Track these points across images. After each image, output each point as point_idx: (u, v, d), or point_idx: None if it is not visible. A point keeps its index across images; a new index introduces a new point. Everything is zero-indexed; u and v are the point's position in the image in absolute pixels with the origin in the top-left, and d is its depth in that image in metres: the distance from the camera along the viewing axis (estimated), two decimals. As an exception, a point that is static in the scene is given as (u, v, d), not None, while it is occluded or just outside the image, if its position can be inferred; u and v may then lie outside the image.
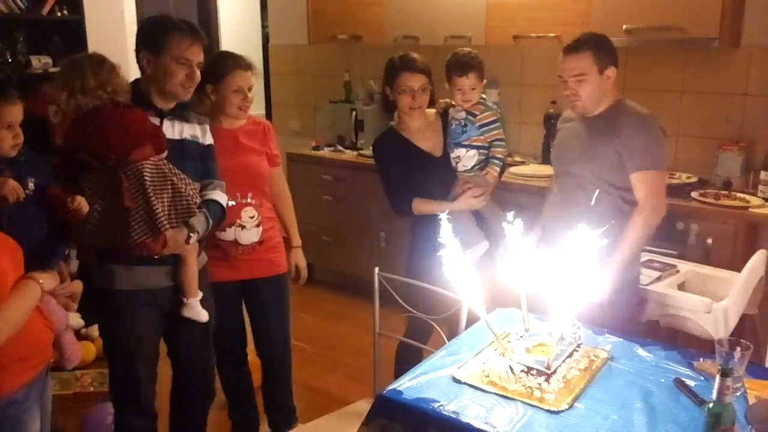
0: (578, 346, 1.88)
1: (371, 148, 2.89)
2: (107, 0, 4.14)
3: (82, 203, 1.93)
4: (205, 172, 2.30)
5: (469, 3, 3.70)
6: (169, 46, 2.13)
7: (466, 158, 2.71)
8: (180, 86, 2.16)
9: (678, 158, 3.57)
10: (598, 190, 2.31)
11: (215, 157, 2.36)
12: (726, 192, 3.14)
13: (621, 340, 2.01)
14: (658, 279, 2.63)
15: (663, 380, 1.77)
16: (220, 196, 2.31)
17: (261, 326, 2.75)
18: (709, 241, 2.99)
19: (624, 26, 3.21)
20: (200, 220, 2.21)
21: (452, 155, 2.73)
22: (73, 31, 3.76)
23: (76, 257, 2.12)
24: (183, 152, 2.20)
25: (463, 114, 2.70)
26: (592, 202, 2.25)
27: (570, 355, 1.82)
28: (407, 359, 2.61)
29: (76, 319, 3.68)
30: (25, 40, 3.69)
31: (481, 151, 2.71)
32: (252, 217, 2.56)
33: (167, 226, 2.07)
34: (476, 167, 2.71)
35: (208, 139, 2.34)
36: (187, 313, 2.26)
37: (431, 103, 2.75)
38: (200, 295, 2.28)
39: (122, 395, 2.31)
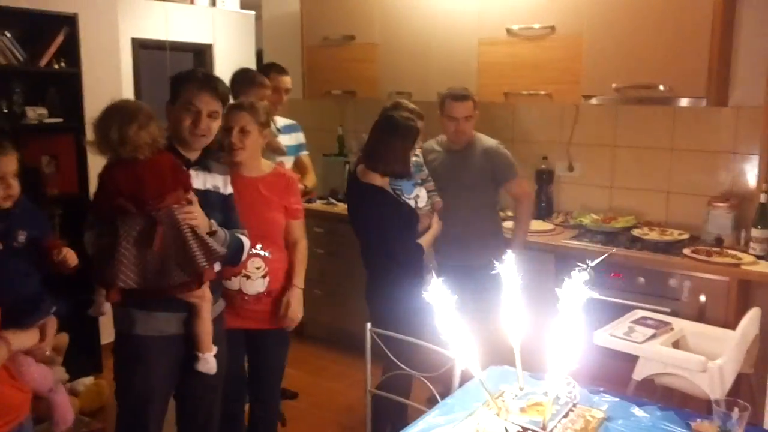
0: (574, 405, 1.84)
1: (356, 205, 2.89)
2: (104, 53, 4.18)
3: (68, 256, 1.94)
4: (226, 222, 2.31)
5: (461, 60, 3.76)
6: (181, 94, 2.21)
7: (422, 195, 3.01)
8: (188, 133, 2.21)
9: (669, 215, 3.59)
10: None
11: (235, 206, 2.39)
12: (718, 249, 3.15)
13: (617, 399, 1.97)
14: (653, 337, 2.60)
15: (660, 442, 1.74)
16: (245, 238, 2.36)
17: (259, 375, 2.76)
18: (702, 298, 2.98)
19: (613, 85, 3.26)
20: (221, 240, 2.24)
21: (410, 195, 2.96)
22: (70, 83, 3.78)
23: (105, 299, 2.09)
24: (206, 202, 2.23)
25: (413, 157, 2.93)
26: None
27: (565, 415, 1.79)
28: (383, 409, 2.68)
29: (60, 373, 3.59)
30: (22, 91, 3.70)
31: (424, 186, 3.05)
32: (258, 268, 2.56)
33: (206, 264, 2.11)
34: (429, 201, 3.04)
35: (228, 189, 2.38)
36: (200, 367, 2.27)
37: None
38: (215, 350, 2.29)
39: None
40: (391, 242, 2.75)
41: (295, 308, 2.65)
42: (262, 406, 2.83)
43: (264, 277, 2.56)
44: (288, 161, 3.56)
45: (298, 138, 3.69)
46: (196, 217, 2.13)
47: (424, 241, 2.85)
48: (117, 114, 2.06)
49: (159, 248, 2.04)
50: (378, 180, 2.76)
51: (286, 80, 3.62)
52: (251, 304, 2.57)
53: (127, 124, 2.04)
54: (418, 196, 2.95)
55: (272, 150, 3.34)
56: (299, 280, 2.71)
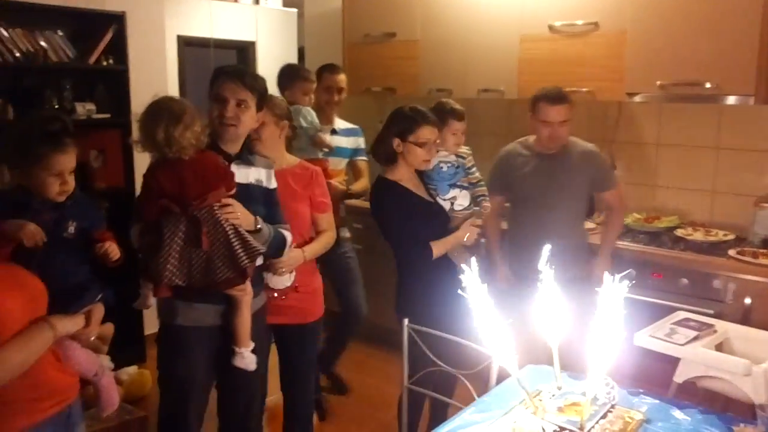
0: (612, 406, 1.83)
1: (370, 199, 2.85)
2: (151, 51, 4.27)
3: (110, 250, 1.99)
4: (270, 216, 2.34)
5: (502, 57, 3.74)
6: (213, 87, 2.26)
7: (461, 197, 2.84)
8: (217, 123, 2.24)
9: (714, 215, 3.51)
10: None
11: (279, 201, 2.41)
12: (764, 250, 3.07)
13: (657, 401, 1.95)
14: (695, 339, 2.55)
15: (701, 445, 1.71)
16: (288, 233, 2.38)
17: (290, 369, 2.79)
18: (748, 300, 2.91)
19: (657, 82, 3.21)
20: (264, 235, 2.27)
21: (446, 196, 2.83)
22: (118, 79, 3.88)
23: (153, 295, 2.16)
24: (248, 196, 2.25)
25: (453, 157, 2.85)
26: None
27: (604, 416, 1.77)
28: (415, 406, 2.65)
29: (106, 361, 3.69)
30: (71, 88, 3.81)
31: (469, 190, 2.89)
32: None
33: (247, 262, 2.14)
34: (470, 205, 2.87)
35: (273, 183, 2.39)
36: (237, 362, 2.30)
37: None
38: (252, 345, 2.31)
39: (169, 430, 2.34)
40: (393, 235, 2.70)
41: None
42: (296, 402, 2.84)
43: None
44: (341, 163, 3.57)
45: (356, 142, 3.66)
46: (237, 216, 2.16)
47: (441, 242, 2.69)
48: (163, 114, 2.08)
49: (206, 246, 2.09)
50: (392, 173, 2.72)
51: (339, 79, 3.60)
52: (278, 300, 2.58)
53: (173, 125, 2.06)
54: (455, 198, 2.84)
55: (314, 144, 3.36)
56: (309, 251, 2.62)
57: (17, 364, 1.60)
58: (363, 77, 4.45)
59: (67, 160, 1.87)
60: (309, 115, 3.37)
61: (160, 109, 2.11)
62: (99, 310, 1.95)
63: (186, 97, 4.91)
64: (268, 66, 6.34)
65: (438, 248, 2.66)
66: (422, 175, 2.81)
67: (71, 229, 1.91)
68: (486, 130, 4.13)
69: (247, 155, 2.34)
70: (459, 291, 1.65)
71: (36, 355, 1.65)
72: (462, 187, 2.86)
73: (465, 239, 2.73)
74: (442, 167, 2.82)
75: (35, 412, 1.70)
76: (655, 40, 3.22)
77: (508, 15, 3.70)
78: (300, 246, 2.59)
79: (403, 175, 2.73)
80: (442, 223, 2.77)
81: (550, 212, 2.99)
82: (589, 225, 3.42)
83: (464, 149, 2.90)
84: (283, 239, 2.37)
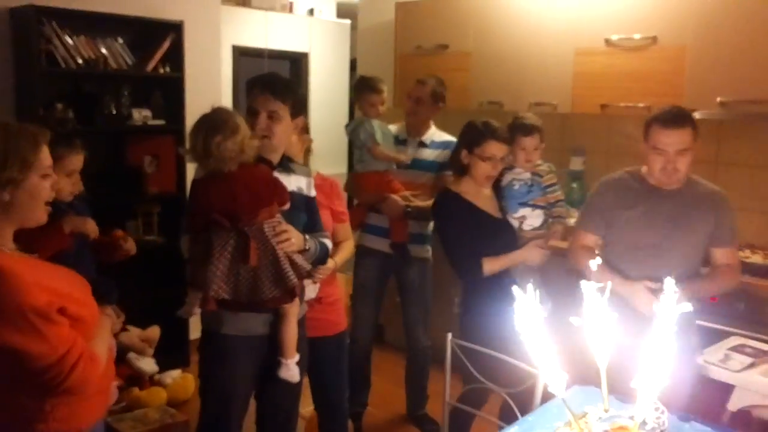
0: (662, 432, 1.75)
1: (432, 211, 2.85)
2: (207, 60, 4.36)
3: (131, 245, 2.05)
4: (310, 224, 2.35)
5: (556, 70, 3.69)
6: (248, 99, 2.27)
7: (532, 217, 2.75)
8: (256, 134, 2.21)
9: (775, 238, 3.38)
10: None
11: (318, 209, 2.42)
12: (828, 276, 2.93)
13: (708, 429, 1.87)
14: (751, 366, 2.44)
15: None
16: (328, 241, 2.40)
17: (320, 383, 2.79)
18: (809, 328, 2.78)
19: (718, 99, 3.11)
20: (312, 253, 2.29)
21: (515, 215, 2.75)
22: (174, 87, 3.97)
23: (199, 307, 2.17)
24: (291, 204, 2.25)
25: (528, 175, 2.76)
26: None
27: (653, 442, 1.70)
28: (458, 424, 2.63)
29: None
30: (129, 94, 3.92)
31: (545, 210, 2.76)
32: None
33: (294, 280, 2.13)
34: (543, 226, 2.75)
35: (312, 192, 2.41)
36: (282, 373, 2.29)
37: None
38: (297, 357, 2.31)
39: None
40: (448, 247, 2.69)
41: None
42: (330, 416, 2.85)
43: (315, 282, 2.53)
44: (422, 177, 3.35)
45: (448, 156, 3.35)
46: (293, 243, 2.16)
47: (497, 259, 2.63)
48: (204, 125, 2.08)
49: (254, 263, 2.08)
50: (457, 186, 2.72)
51: (418, 88, 3.44)
52: (307, 312, 2.55)
53: (211, 136, 2.04)
54: (525, 217, 2.75)
55: (374, 156, 3.26)
56: (338, 259, 2.65)
57: (105, 354, 1.67)
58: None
59: (79, 160, 1.97)
60: (370, 127, 3.26)
61: (205, 118, 2.11)
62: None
63: (239, 107, 5.00)
64: (320, 77, 6.41)
65: (491, 265, 2.61)
66: (498, 193, 2.78)
67: None
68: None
69: (287, 163, 2.35)
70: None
71: (108, 346, 1.72)
72: (536, 207, 2.76)
73: (527, 260, 2.66)
74: (514, 185, 2.76)
75: (103, 405, 1.76)
76: (716, 56, 3.12)
77: (563, 28, 3.65)
78: (331, 292, 2.65)
79: (469, 188, 2.70)
80: (507, 241, 2.69)
81: (663, 267, 2.30)
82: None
83: (543, 167, 2.80)
84: (326, 250, 2.37)
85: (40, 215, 1.60)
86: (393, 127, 3.45)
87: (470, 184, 2.70)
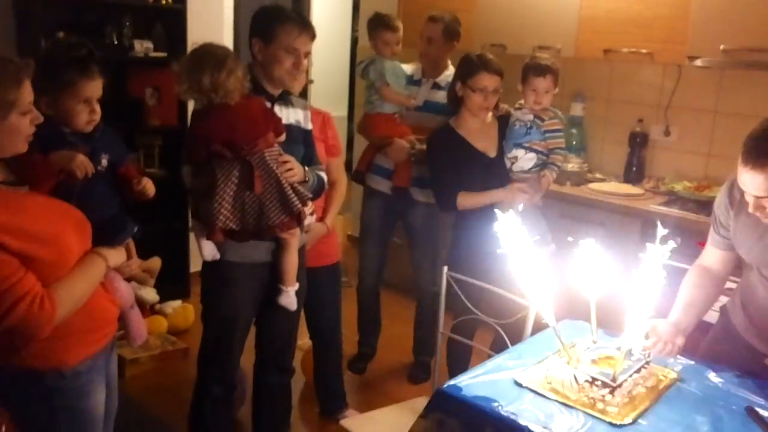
0: (647, 363, 1.83)
1: (426, 142, 2.88)
2: (209, -9, 4.31)
3: (147, 186, 1.95)
4: (307, 157, 2.38)
5: (560, 13, 3.66)
6: (279, 35, 2.22)
7: (523, 159, 2.73)
8: (287, 74, 2.26)
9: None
10: None
11: (314, 142, 2.45)
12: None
13: (692, 363, 1.94)
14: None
15: (734, 407, 1.71)
16: (324, 174, 2.43)
17: (315, 313, 2.88)
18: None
19: (721, 46, 3.10)
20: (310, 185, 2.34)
21: (509, 155, 2.75)
22: (175, 18, 3.92)
23: (207, 238, 2.20)
24: (290, 136, 2.29)
25: (530, 117, 2.74)
26: None
27: (637, 371, 1.78)
28: (455, 356, 2.75)
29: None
30: (131, 25, 3.88)
31: (539, 155, 2.74)
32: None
33: (299, 205, 2.18)
34: (533, 170, 2.73)
35: (309, 125, 2.43)
36: (282, 300, 2.36)
37: (494, 107, 2.79)
38: (297, 285, 2.37)
39: (210, 363, 2.44)
40: (431, 178, 2.76)
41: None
42: (325, 344, 2.95)
43: (312, 214, 2.53)
44: (433, 119, 3.09)
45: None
46: (295, 172, 2.20)
47: (474, 195, 2.66)
48: (208, 60, 2.10)
49: (260, 190, 2.13)
50: (455, 121, 2.77)
51: (430, 27, 3.29)
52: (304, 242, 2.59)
53: (218, 71, 2.08)
54: (516, 158, 2.73)
55: (383, 98, 3.19)
56: (330, 219, 2.76)
57: (79, 296, 1.62)
58: (417, 29, 4.39)
59: (95, 87, 1.82)
60: (381, 67, 3.16)
61: (205, 55, 2.12)
62: (132, 244, 1.92)
63: (240, 40, 4.92)
64: (322, 16, 6.32)
65: (466, 199, 2.67)
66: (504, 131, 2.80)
67: (104, 161, 1.87)
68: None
69: (287, 96, 2.36)
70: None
71: (93, 287, 1.68)
72: (531, 150, 2.73)
73: (504, 199, 2.61)
74: (515, 124, 2.76)
75: (92, 343, 1.73)
76: (721, 3, 3.09)
77: (570, -30, 3.61)
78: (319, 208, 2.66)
79: (464, 123, 2.74)
80: (497, 180, 2.71)
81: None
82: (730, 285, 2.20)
83: (550, 111, 2.74)
84: (323, 182, 2.42)
85: (18, 148, 1.56)
86: (408, 67, 3.34)
87: (466, 119, 2.74)
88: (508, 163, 2.77)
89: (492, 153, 2.76)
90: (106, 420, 1.89)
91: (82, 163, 1.75)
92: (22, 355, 1.60)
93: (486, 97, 2.65)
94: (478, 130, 2.75)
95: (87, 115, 1.82)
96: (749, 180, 1.72)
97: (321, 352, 2.99)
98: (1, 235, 1.45)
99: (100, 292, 1.74)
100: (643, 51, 3.38)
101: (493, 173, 2.73)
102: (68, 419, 1.71)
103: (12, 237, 1.47)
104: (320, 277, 2.75)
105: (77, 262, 1.64)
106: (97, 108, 1.84)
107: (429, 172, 2.79)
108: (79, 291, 1.62)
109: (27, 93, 1.54)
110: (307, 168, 2.33)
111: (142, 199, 1.95)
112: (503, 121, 2.80)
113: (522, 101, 2.81)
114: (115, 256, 1.78)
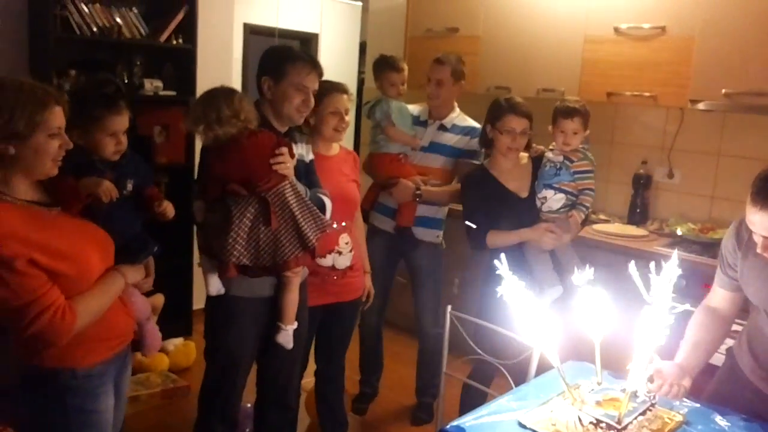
0: (652, 405, 1.81)
1: (460, 185, 2.97)
2: (218, 34, 4.39)
3: (167, 208, 2.11)
4: (308, 184, 2.41)
5: (564, 57, 3.72)
6: (289, 73, 2.28)
7: (552, 200, 2.74)
8: (296, 110, 2.31)
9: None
10: None
11: (315, 170, 2.48)
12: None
13: (698, 405, 1.92)
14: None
15: (741, 452, 1.68)
16: (326, 198, 2.42)
17: (328, 347, 2.87)
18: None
19: (723, 90, 3.14)
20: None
21: (539, 195, 2.77)
22: (185, 59, 3.99)
23: (219, 274, 2.24)
24: (294, 171, 2.31)
25: (561, 158, 2.76)
26: None
27: (643, 414, 1.76)
28: (470, 403, 2.61)
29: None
30: (142, 64, 3.95)
31: (569, 196, 2.74)
32: (347, 243, 2.65)
33: (314, 240, 2.22)
34: (561, 210, 2.74)
35: (310, 156, 2.48)
36: (279, 338, 2.36)
37: (526, 148, 2.84)
38: (295, 324, 2.37)
39: (213, 399, 2.42)
40: (463, 216, 2.78)
41: (372, 294, 2.90)
42: (331, 377, 2.93)
43: (351, 251, 2.66)
44: (437, 160, 3.24)
45: (468, 143, 3.26)
46: (288, 166, 2.21)
47: (503, 233, 2.68)
48: (217, 96, 2.19)
49: (275, 226, 2.16)
50: (488, 162, 2.84)
51: (438, 69, 3.31)
52: (339, 279, 2.65)
53: (230, 100, 2.17)
54: (546, 198, 2.74)
55: (388, 138, 3.21)
56: (367, 265, 2.88)
57: (98, 309, 1.75)
58: (423, 71, 4.45)
59: (122, 121, 2.00)
60: (387, 107, 3.19)
61: (214, 92, 2.21)
62: (152, 262, 2.09)
63: (248, 81, 5.00)
64: (330, 58, 6.42)
65: (495, 238, 2.69)
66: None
67: (129, 186, 2.05)
68: (545, 131, 4.10)
69: (293, 133, 2.42)
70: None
71: (111, 301, 1.81)
72: (560, 191, 2.73)
73: (531, 239, 2.66)
74: (546, 165, 2.78)
75: (105, 350, 1.84)
76: (723, 48, 3.15)
77: (573, 15, 3.67)
78: (358, 260, 2.75)
79: (498, 165, 2.79)
80: (527, 218, 2.73)
81: None
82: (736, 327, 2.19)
83: (579, 152, 2.75)
84: (323, 204, 2.41)
85: (46, 170, 1.68)
86: (414, 108, 3.37)
87: (498, 160, 2.79)
88: (538, 203, 2.78)
89: (524, 193, 2.78)
90: None
91: (107, 189, 1.92)
92: (42, 356, 1.71)
93: (514, 139, 2.70)
94: (510, 171, 2.79)
95: (114, 146, 2.00)
96: (758, 220, 1.76)
97: (323, 385, 2.96)
98: (33, 251, 1.58)
99: (118, 305, 1.87)
100: (646, 94, 3.42)
101: (524, 213, 2.75)
102: (80, 421, 1.79)
103: (41, 253, 1.60)
104: (346, 311, 2.79)
105: (99, 278, 1.77)
106: (124, 139, 2.03)
107: (462, 211, 2.83)
108: (97, 305, 1.75)
109: (55, 117, 1.66)
110: (309, 190, 2.35)
111: (162, 219, 2.11)
112: (538, 162, 2.83)
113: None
114: (134, 273, 1.93)
